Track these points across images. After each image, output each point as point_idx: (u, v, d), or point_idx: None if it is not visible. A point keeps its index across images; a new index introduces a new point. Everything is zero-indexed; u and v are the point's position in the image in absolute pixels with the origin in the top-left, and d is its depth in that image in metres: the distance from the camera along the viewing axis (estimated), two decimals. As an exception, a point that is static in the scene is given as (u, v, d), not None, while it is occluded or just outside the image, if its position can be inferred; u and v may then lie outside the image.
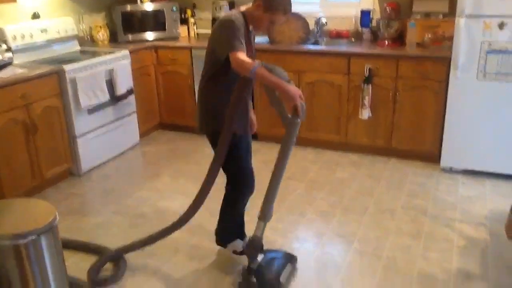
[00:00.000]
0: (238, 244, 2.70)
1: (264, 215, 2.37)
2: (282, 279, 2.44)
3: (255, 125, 2.74)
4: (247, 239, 2.80)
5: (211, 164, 2.41)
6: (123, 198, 3.52)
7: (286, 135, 2.24)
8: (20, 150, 3.38)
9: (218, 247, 2.82)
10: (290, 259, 2.61)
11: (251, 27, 2.38)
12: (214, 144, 2.45)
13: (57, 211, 2.21)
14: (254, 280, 2.41)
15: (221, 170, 2.47)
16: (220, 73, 2.34)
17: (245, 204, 2.65)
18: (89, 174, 3.93)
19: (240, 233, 2.73)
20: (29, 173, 3.46)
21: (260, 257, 2.52)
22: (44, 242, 2.13)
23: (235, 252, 2.70)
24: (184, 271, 2.64)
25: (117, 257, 2.72)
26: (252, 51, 2.42)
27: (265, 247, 2.69)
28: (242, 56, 2.16)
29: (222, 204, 2.65)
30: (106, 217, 3.25)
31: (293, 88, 2.14)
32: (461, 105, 3.59)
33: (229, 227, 2.71)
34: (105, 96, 3.94)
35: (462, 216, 3.14)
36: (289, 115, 2.23)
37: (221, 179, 2.64)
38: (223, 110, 2.32)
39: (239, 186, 2.55)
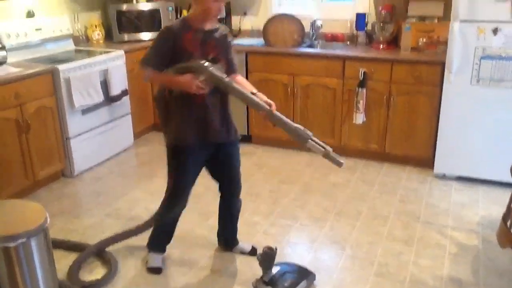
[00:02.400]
0: (155, 258, 2.67)
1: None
2: None
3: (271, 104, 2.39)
4: (246, 245, 2.80)
5: None
6: (116, 200, 3.51)
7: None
8: (12, 150, 3.36)
9: (209, 252, 2.81)
10: (307, 275, 2.52)
11: (207, 25, 2.32)
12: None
13: (48, 212, 2.19)
14: None
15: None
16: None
17: (172, 217, 2.62)
18: (82, 175, 3.91)
19: (162, 247, 2.71)
20: (21, 173, 3.44)
21: (274, 269, 2.48)
22: (34, 244, 2.11)
23: (150, 269, 2.64)
24: (174, 276, 2.63)
25: (98, 253, 2.74)
26: (215, 50, 2.35)
27: (257, 252, 2.70)
28: (139, 69, 2.31)
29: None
30: (99, 219, 3.24)
31: (183, 79, 2.20)
32: (454, 111, 3.60)
33: (154, 233, 2.69)
34: (99, 97, 3.92)
35: (454, 222, 3.15)
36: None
37: (213, 183, 2.64)
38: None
39: (168, 194, 2.53)
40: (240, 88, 2.30)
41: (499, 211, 3.17)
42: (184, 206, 2.59)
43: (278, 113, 2.31)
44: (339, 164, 2.23)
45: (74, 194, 3.63)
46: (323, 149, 2.23)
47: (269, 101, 2.34)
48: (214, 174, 2.61)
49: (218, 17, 2.35)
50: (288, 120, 2.31)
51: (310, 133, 2.25)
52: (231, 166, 2.58)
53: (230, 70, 2.42)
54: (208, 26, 2.33)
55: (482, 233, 3.02)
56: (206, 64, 2.22)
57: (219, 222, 2.81)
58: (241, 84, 2.39)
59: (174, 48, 2.25)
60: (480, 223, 3.13)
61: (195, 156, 2.43)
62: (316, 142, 2.25)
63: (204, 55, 2.28)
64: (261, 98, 2.34)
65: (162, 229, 2.68)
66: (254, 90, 2.37)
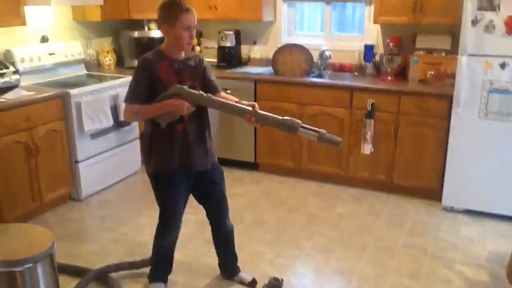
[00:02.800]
0: (157, 287, 2.65)
1: None
2: None
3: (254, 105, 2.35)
4: (247, 275, 2.76)
5: None
6: (122, 225, 3.50)
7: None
8: (21, 173, 3.38)
9: (214, 281, 2.78)
10: None
11: (182, 54, 2.39)
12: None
13: (54, 236, 2.19)
14: None
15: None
16: None
17: (167, 245, 2.60)
18: (89, 199, 3.91)
19: (163, 276, 2.69)
20: (28, 196, 3.46)
21: None
22: (40, 269, 2.11)
23: None
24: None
25: (101, 279, 2.74)
26: (191, 79, 2.40)
27: (263, 282, 2.67)
28: (126, 107, 2.38)
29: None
30: (104, 244, 3.23)
31: (175, 102, 2.25)
32: (462, 143, 3.60)
33: (153, 263, 2.68)
34: (108, 121, 3.96)
35: (463, 257, 3.11)
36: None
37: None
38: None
39: (159, 221, 2.55)
40: (220, 99, 2.35)
41: (507, 246, 3.14)
42: (177, 234, 2.59)
43: (262, 112, 2.29)
44: (337, 143, 2.17)
45: (80, 218, 3.63)
46: (317, 133, 2.18)
47: (251, 103, 2.35)
48: (201, 200, 2.64)
49: (191, 44, 2.38)
50: (274, 115, 2.28)
51: (299, 121, 2.21)
52: (215, 191, 2.59)
53: (213, 90, 2.46)
54: (183, 55, 2.40)
55: (490, 268, 2.97)
56: (184, 86, 2.28)
57: (216, 251, 2.78)
58: (226, 98, 2.43)
59: (151, 79, 2.32)
60: (489, 258, 3.09)
61: (177, 182, 2.46)
62: (307, 128, 2.20)
63: (180, 84, 2.33)
64: (243, 103, 2.35)
65: (160, 259, 2.67)
66: (237, 100, 2.41)
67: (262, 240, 3.29)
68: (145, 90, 2.32)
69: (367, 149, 3.93)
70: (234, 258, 2.79)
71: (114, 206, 3.81)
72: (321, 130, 2.19)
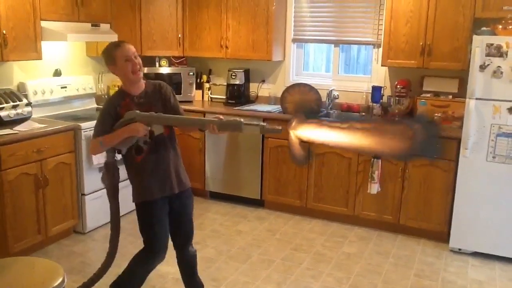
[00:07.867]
0: None
1: None
2: None
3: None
4: None
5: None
6: (125, 260, 3.42)
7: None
8: (28, 205, 3.39)
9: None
10: None
11: (137, 88, 2.53)
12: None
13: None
14: None
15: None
16: None
17: (147, 270, 2.72)
18: (93, 233, 3.89)
19: None
20: (34, 229, 3.45)
21: None
22: (51, 306, 2.08)
23: None
24: None
25: None
26: (151, 110, 2.48)
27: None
28: (91, 142, 2.57)
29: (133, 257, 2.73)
30: (108, 279, 3.16)
31: (132, 128, 2.39)
32: (470, 186, 3.60)
33: (125, 284, 2.76)
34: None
35: (472, 301, 3.06)
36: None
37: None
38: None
39: (145, 249, 2.68)
40: (170, 115, 2.49)
41: (518, 291, 3.09)
42: (159, 258, 2.66)
43: (209, 118, 2.45)
44: (278, 131, 2.33)
45: (84, 252, 3.59)
46: (258, 126, 2.33)
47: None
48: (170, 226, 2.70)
49: (137, 72, 2.49)
50: (217, 119, 2.40)
51: (241, 120, 2.35)
52: (185, 217, 2.70)
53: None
54: (141, 88, 2.55)
55: (501, 314, 2.92)
56: (136, 110, 2.42)
57: (182, 280, 2.82)
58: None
59: (116, 117, 2.47)
60: (499, 304, 3.04)
61: (157, 210, 2.64)
62: (249, 124, 2.36)
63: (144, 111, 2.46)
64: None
65: (132, 283, 2.77)
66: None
67: (269, 279, 3.24)
68: (109, 127, 2.46)
69: (374, 188, 3.93)
70: (200, 285, 2.82)
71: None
72: (261, 123, 2.40)
